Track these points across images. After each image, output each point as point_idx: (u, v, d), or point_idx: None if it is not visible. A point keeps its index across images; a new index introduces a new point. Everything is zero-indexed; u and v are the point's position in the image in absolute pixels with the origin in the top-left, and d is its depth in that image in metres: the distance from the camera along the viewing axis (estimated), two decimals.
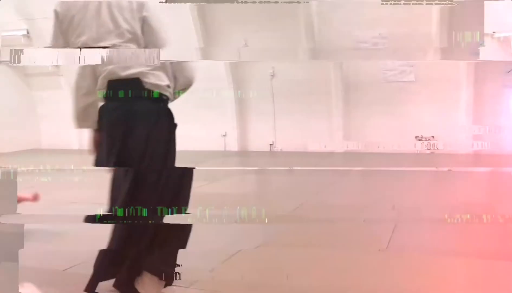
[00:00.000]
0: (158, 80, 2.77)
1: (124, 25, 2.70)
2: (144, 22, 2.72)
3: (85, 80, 2.88)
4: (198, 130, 11.84)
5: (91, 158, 3.18)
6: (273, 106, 11.04)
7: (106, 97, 2.80)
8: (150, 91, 2.75)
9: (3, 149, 12.50)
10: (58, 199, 6.29)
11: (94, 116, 2.95)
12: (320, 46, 10.33)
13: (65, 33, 2.81)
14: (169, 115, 2.94)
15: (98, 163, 3.01)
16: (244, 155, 10.99)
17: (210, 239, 4.10)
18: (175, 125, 2.99)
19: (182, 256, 3.02)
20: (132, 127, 2.75)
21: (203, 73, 10.28)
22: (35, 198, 5.64)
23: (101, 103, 2.89)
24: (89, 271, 3.76)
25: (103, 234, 4.87)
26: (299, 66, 10.75)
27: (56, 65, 12.80)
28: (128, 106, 2.77)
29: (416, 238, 4.09)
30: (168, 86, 2.85)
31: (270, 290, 3.11)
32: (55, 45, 2.86)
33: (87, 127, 3.12)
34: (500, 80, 9.33)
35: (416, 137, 10.07)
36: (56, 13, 2.80)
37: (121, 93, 2.74)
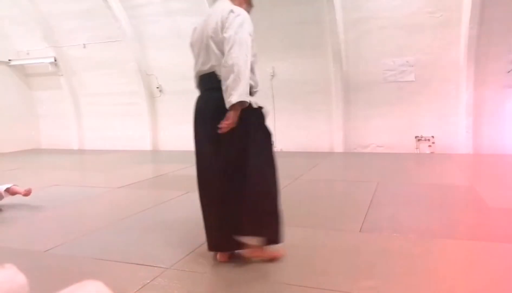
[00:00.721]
0: None
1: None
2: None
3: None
4: None
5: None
6: (273, 106, 11.09)
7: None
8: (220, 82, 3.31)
9: (3, 149, 12.61)
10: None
11: None
12: (347, 74, 10.45)
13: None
14: None
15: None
16: None
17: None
18: (253, 109, 3.49)
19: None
20: (211, 113, 3.40)
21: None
22: (27, 192, 5.85)
23: None
24: (70, 252, 3.90)
25: (83, 216, 5.00)
26: (299, 66, 10.81)
27: (55, 65, 12.89)
28: (207, 95, 3.51)
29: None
30: None
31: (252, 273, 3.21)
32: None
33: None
34: (500, 80, 9.37)
35: (416, 137, 10.13)
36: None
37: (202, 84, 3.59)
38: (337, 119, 10.64)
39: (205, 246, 3.76)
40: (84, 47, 12.55)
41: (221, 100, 3.26)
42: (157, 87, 12.29)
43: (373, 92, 10.36)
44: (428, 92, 9.92)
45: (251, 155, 3.39)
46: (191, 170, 7.46)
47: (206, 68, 3.48)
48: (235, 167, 3.37)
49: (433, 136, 9.99)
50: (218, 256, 3.62)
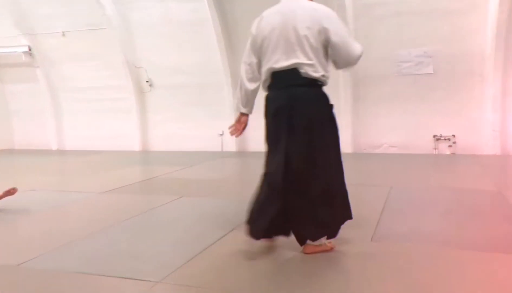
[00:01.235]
0: (314, 71, 3.81)
1: None
2: None
3: (252, 71, 4.03)
4: (193, 130, 11.92)
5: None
6: None
7: (270, 87, 3.97)
8: (306, 79, 3.81)
9: None
10: None
11: (253, 101, 4.16)
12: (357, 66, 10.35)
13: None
14: (325, 97, 4.05)
15: (269, 141, 4.06)
16: (242, 155, 11.06)
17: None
18: (331, 106, 4.13)
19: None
20: (296, 108, 3.79)
21: (200, 67, 10.41)
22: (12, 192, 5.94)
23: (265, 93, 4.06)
24: (47, 265, 3.89)
25: (63, 225, 4.99)
26: None
27: (30, 55, 12.79)
28: (291, 92, 3.80)
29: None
30: (323, 75, 3.91)
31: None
32: (246, 61, 4.05)
33: (249, 112, 4.22)
34: None
35: (434, 136, 10.11)
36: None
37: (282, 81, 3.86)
38: (345, 116, 10.57)
39: (200, 257, 3.82)
40: (63, 35, 12.49)
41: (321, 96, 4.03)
42: (147, 81, 12.26)
43: (386, 87, 10.33)
44: (449, 86, 9.88)
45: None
46: (184, 173, 7.49)
47: (286, 64, 3.80)
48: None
49: (454, 136, 9.97)
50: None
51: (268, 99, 4.01)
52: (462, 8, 9.47)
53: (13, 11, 12.45)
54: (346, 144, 10.67)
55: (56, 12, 12.23)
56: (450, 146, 10.03)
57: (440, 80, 9.91)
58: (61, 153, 12.92)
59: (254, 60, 4.00)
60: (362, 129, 10.66)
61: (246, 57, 4.04)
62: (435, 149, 10.14)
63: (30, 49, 12.77)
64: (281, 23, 3.80)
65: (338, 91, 10.58)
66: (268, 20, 3.90)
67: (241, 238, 4.37)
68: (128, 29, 11.97)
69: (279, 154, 3.84)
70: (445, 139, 10.05)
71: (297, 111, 3.80)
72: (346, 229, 4.76)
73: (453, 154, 9.97)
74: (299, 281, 3.42)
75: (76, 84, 12.93)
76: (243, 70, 4.07)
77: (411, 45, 9.99)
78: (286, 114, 3.81)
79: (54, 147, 13.55)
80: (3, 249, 4.54)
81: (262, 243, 4.11)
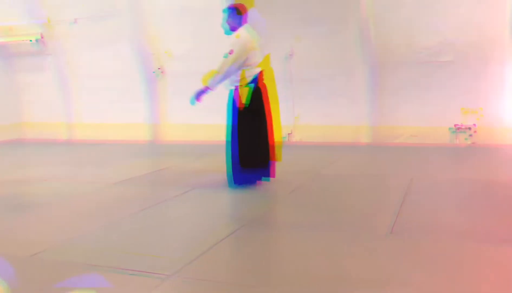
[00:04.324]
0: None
1: None
2: None
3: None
4: (205, 119, 11.91)
5: None
6: (291, 91, 11.06)
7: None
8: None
9: None
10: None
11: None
12: (374, 54, 10.37)
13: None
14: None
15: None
16: None
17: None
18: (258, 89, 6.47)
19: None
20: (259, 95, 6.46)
21: (213, 53, 10.43)
22: None
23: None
24: (58, 257, 3.91)
25: (74, 216, 5.03)
26: (319, 46, 10.74)
27: (42, 43, 12.85)
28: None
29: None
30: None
31: (264, 275, 3.18)
32: (233, 68, 6.30)
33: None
34: None
35: (455, 126, 10.04)
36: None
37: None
38: (362, 106, 10.54)
39: (213, 250, 3.85)
40: (75, 22, 12.54)
41: None
42: (158, 69, 12.26)
43: (404, 75, 10.25)
44: (469, 74, 9.79)
45: None
46: (196, 164, 7.50)
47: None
48: None
49: (474, 125, 9.89)
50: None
51: (256, 90, 6.43)
52: None
53: None
54: (364, 135, 10.64)
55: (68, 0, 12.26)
56: (471, 136, 9.95)
57: (460, 68, 9.82)
58: (71, 143, 12.98)
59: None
60: (380, 119, 10.60)
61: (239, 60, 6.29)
62: (456, 139, 10.06)
63: (42, 37, 12.82)
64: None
65: (354, 79, 10.54)
66: (250, 40, 6.40)
67: (253, 233, 4.37)
68: (139, 17, 11.97)
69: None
70: (466, 128, 9.97)
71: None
72: (365, 221, 4.76)
73: (474, 143, 9.89)
74: (313, 274, 3.40)
75: (87, 72, 12.96)
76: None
77: (430, 32, 9.90)
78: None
79: (64, 137, 13.60)
80: (15, 240, 4.58)
81: (274, 238, 4.10)
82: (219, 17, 10.91)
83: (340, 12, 10.34)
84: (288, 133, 11.36)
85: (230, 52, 6.19)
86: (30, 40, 12.89)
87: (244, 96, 6.31)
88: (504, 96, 9.60)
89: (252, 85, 6.37)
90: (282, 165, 7.89)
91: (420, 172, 7.26)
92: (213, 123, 11.72)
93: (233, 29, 6.47)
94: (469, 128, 9.91)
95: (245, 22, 6.51)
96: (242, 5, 6.51)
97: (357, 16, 10.08)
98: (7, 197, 6.37)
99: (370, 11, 10.12)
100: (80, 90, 13.29)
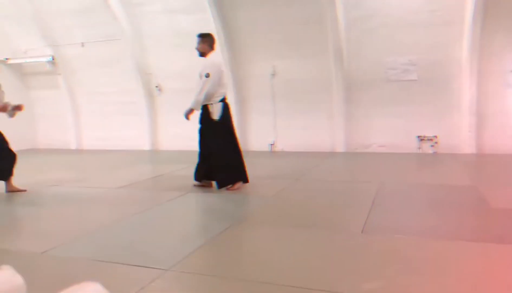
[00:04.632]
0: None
1: None
2: None
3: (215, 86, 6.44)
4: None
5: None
6: (273, 105, 11.13)
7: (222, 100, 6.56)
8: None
9: None
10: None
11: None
12: (349, 73, 10.48)
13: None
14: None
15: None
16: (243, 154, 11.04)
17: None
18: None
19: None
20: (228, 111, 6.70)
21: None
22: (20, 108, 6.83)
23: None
24: (67, 253, 3.91)
25: (81, 217, 5.01)
26: (300, 65, 10.81)
27: (53, 64, 12.90)
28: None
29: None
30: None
31: (249, 271, 3.20)
32: (212, 88, 6.42)
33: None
34: (503, 79, 9.37)
35: (418, 137, 10.13)
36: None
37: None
38: (338, 118, 10.64)
39: (205, 247, 3.86)
40: (83, 45, 12.54)
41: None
42: (156, 86, 12.29)
43: (375, 92, 10.36)
44: (431, 91, 9.92)
45: None
46: (190, 170, 7.48)
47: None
48: None
49: (436, 136, 9.99)
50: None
51: (225, 106, 6.58)
52: (441, 21, 9.53)
53: (40, 25, 12.52)
54: (339, 144, 10.71)
55: (76, 25, 12.29)
56: (432, 146, 10.05)
57: (423, 86, 9.94)
58: (79, 152, 12.94)
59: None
60: (354, 130, 10.68)
61: (216, 80, 6.43)
62: (419, 148, 10.16)
63: (53, 59, 12.84)
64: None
65: (332, 95, 10.63)
66: (219, 63, 6.86)
67: (243, 230, 4.38)
68: (140, 40, 12.01)
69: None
70: (428, 139, 10.07)
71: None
72: (338, 221, 4.79)
73: (435, 152, 9.99)
74: (298, 269, 3.42)
75: (93, 89, 12.99)
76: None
77: (397, 54, 10.02)
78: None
79: (73, 146, 13.57)
80: (28, 238, 4.57)
81: (259, 236, 4.11)
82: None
83: (319, 35, 10.41)
84: (271, 144, 11.41)
85: (207, 75, 6.32)
86: (43, 61, 12.90)
87: (217, 112, 6.44)
88: (461, 112, 9.71)
89: (222, 102, 6.51)
90: (266, 171, 7.91)
91: (388, 177, 7.31)
92: None
93: (202, 54, 6.60)
94: (431, 139, 10.01)
95: (213, 49, 6.68)
96: (211, 34, 6.70)
97: (334, 39, 10.15)
98: (22, 199, 6.34)
99: (345, 36, 10.22)
100: (87, 105, 13.29)
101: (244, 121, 11.51)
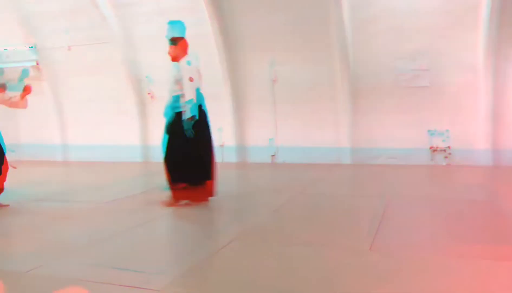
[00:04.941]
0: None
1: None
2: None
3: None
4: None
5: None
6: (274, 112, 11.15)
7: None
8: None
9: None
10: None
11: None
12: (355, 79, 10.53)
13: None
14: None
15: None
16: (243, 167, 11.05)
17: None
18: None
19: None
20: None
21: (204, 81, 10.57)
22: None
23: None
24: (53, 272, 3.91)
25: (68, 234, 5.01)
26: (303, 70, 10.82)
27: (38, 69, 12.87)
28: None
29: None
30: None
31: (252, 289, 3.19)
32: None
33: None
34: None
35: (431, 148, 10.13)
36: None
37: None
38: (344, 128, 10.62)
39: (202, 263, 3.87)
40: (69, 49, 12.55)
41: None
42: (149, 93, 12.29)
43: (384, 99, 10.35)
44: (444, 98, 9.91)
45: None
46: None
47: None
48: None
49: (449, 147, 9.99)
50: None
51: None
52: (456, 24, 9.54)
53: (24, 27, 12.54)
54: (345, 155, 10.70)
55: (62, 27, 12.30)
56: (446, 157, 10.04)
57: (436, 93, 9.94)
58: (66, 164, 12.93)
59: None
60: (361, 140, 10.67)
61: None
62: (432, 160, 10.15)
63: (37, 63, 12.82)
64: None
65: (337, 103, 10.62)
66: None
67: (242, 248, 4.38)
68: (130, 43, 12.02)
69: None
70: (441, 150, 10.06)
71: None
72: (345, 238, 4.79)
73: (449, 164, 9.98)
74: (302, 288, 3.42)
75: (81, 97, 12.96)
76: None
77: (408, 59, 10.02)
78: None
79: (59, 158, 13.55)
80: (12, 256, 4.57)
81: (260, 253, 4.11)
82: (209, 42, 11.13)
83: (323, 39, 10.43)
84: (272, 155, 11.40)
85: (190, 79, 6.62)
86: (26, 66, 12.90)
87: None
88: (477, 121, 9.70)
89: (197, 103, 6.77)
90: (267, 184, 7.92)
91: (398, 190, 7.32)
92: None
93: (175, 59, 6.93)
94: (445, 150, 10.00)
95: (186, 53, 6.97)
96: (184, 39, 7.04)
97: (339, 44, 10.18)
98: (5, 216, 6.35)
99: (351, 40, 10.24)
100: (74, 112, 13.27)
101: (242, 130, 11.51)
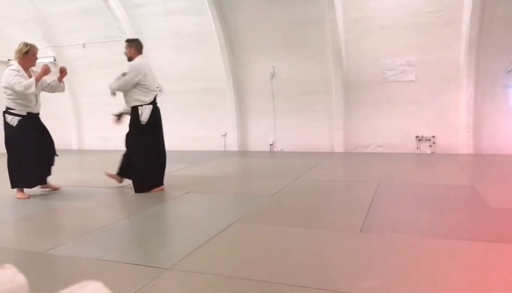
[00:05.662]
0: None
1: None
2: None
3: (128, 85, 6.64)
4: (199, 131, 11.97)
5: None
6: (273, 106, 11.14)
7: (153, 102, 6.90)
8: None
9: (1, 149, 12.56)
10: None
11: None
12: (348, 73, 10.48)
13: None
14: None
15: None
16: (244, 154, 11.05)
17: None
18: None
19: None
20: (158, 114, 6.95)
21: (205, 74, 10.65)
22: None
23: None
24: (69, 252, 3.90)
25: (83, 216, 4.98)
26: (299, 66, 10.83)
27: (55, 65, 12.86)
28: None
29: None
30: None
31: (250, 271, 3.19)
32: (124, 85, 6.65)
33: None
34: (500, 80, 9.39)
35: (416, 137, 10.14)
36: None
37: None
38: (337, 119, 10.66)
39: (206, 246, 3.86)
40: (84, 47, 12.55)
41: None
42: (157, 87, 12.25)
43: (374, 92, 10.38)
44: (429, 92, 9.95)
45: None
46: (191, 170, 7.50)
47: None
48: None
49: (433, 136, 10.01)
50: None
51: (154, 109, 6.77)
52: (439, 23, 9.57)
53: (42, 26, 12.56)
54: (338, 144, 10.73)
55: (77, 27, 12.32)
56: (430, 146, 10.06)
57: (421, 87, 9.96)
58: (81, 152, 12.94)
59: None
60: (353, 130, 10.71)
61: (131, 81, 6.57)
62: (417, 148, 10.18)
63: (55, 60, 12.82)
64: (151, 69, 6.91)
65: (331, 96, 10.65)
66: (145, 66, 6.81)
67: (243, 229, 4.37)
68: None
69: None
70: (426, 140, 10.09)
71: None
72: (337, 221, 4.79)
73: (433, 152, 10.00)
74: (297, 268, 3.41)
75: (94, 91, 12.95)
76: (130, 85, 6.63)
77: (395, 55, 10.03)
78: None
79: (75, 147, 13.58)
80: (30, 237, 4.55)
81: (260, 235, 4.10)
82: (212, 40, 11.11)
83: (318, 37, 10.43)
84: (271, 144, 11.42)
85: (124, 74, 6.53)
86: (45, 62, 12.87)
87: (146, 114, 6.59)
88: (458, 112, 9.73)
89: (151, 105, 6.71)
90: (265, 171, 7.89)
91: (386, 177, 7.32)
92: (205, 135, 11.80)
93: (130, 59, 6.78)
94: (429, 139, 10.02)
95: (141, 53, 6.86)
96: (138, 40, 6.98)
97: (333, 40, 10.16)
98: (23, 199, 6.35)
99: (344, 38, 10.23)
100: (89, 105, 13.29)
101: (243, 121, 11.53)
